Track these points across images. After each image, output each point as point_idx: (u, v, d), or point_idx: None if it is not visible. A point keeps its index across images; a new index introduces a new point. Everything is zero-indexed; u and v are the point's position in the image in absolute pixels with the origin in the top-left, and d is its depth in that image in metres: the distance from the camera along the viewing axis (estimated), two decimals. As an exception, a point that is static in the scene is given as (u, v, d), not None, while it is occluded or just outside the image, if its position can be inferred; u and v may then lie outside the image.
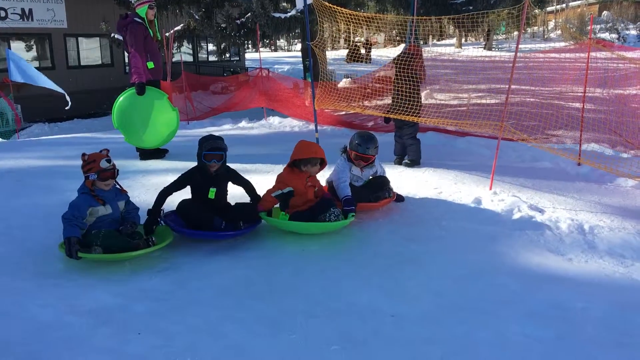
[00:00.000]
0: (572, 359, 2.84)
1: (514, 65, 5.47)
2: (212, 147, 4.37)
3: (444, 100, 11.07)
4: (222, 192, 4.56)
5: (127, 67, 7.57)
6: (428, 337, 3.04)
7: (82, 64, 20.67)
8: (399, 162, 6.97)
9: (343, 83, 11.51)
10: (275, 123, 10.91)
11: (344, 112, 10.53)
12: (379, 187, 5.18)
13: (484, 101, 10.14)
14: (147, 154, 7.49)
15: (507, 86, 5.56)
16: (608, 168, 5.63)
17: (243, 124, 10.96)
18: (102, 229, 3.89)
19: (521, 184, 5.84)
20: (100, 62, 21.32)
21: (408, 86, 6.52)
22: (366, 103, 9.08)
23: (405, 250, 4.18)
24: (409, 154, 6.86)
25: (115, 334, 3.05)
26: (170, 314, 3.29)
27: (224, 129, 10.55)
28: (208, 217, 4.25)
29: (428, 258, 4.09)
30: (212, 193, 4.41)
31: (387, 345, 2.97)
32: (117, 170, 4.10)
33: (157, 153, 7.57)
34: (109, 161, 4.00)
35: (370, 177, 5.29)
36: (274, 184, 4.64)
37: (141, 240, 3.91)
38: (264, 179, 5.94)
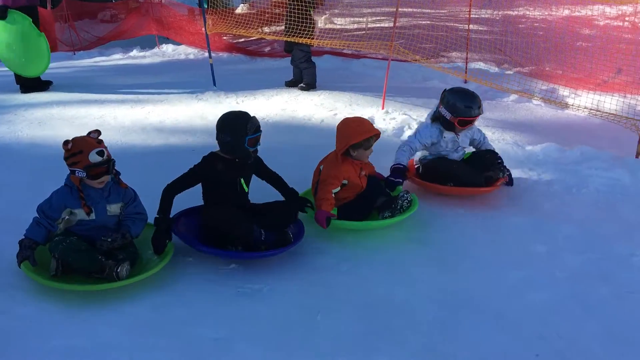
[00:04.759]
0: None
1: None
2: (257, 129, 3.18)
3: (343, 25, 11.05)
4: (248, 184, 3.39)
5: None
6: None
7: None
8: (292, 84, 7.00)
9: (240, 9, 11.15)
10: (168, 51, 10.49)
11: (242, 39, 10.28)
12: (489, 164, 3.93)
13: (381, 25, 10.23)
14: (28, 86, 6.99)
15: (404, 9, 5.63)
16: (490, 84, 5.93)
17: (134, 53, 10.46)
18: (68, 238, 2.84)
19: (412, 103, 6.07)
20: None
21: (300, 9, 6.45)
22: (265, 29, 8.90)
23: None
24: (304, 78, 6.88)
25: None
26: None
27: (113, 59, 10.02)
28: (246, 228, 3.04)
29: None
30: (243, 184, 3.29)
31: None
32: (114, 162, 2.91)
33: (40, 85, 7.08)
34: (101, 153, 2.84)
35: (467, 151, 4.18)
36: (322, 178, 3.50)
37: (118, 265, 2.72)
38: (156, 109, 5.81)
